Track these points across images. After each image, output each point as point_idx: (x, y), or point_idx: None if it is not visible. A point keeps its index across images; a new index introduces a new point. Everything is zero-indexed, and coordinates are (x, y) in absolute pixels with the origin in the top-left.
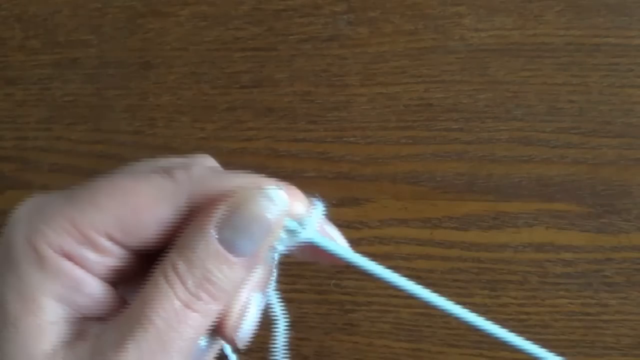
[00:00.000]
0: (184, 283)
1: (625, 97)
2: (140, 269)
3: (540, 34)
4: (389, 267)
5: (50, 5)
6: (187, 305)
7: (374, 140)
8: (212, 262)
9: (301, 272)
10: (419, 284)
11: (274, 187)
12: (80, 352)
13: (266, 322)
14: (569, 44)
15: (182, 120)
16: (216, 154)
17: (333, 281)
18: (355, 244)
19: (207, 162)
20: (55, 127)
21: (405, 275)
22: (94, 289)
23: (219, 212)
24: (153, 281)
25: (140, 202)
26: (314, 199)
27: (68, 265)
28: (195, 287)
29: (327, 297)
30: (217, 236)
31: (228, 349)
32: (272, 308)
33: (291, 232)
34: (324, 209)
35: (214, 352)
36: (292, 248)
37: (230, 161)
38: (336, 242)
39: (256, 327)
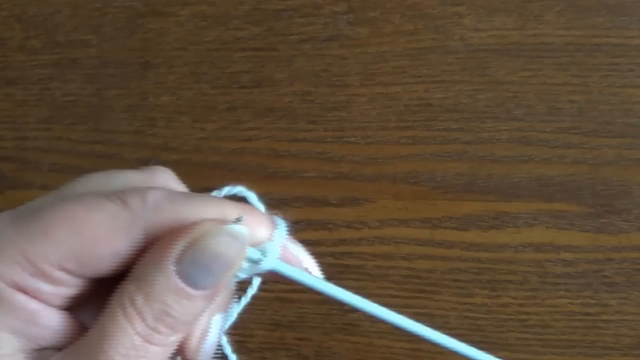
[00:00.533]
0: (143, 318)
1: (625, 97)
2: (98, 293)
3: (540, 34)
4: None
5: (50, 5)
6: (146, 340)
7: (374, 140)
8: (171, 296)
9: None
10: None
11: (235, 220)
12: None
13: (266, 323)
14: (569, 44)
15: (182, 120)
16: (216, 154)
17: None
18: (355, 244)
19: (165, 179)
20: (55, 127)
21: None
22: (49, 320)
23: (178, 246)
24: (110, 314)
25: (94, 233)
26: (277, 218)
27: (22, 298)
28: (154, 321)
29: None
30: (175, 270)
31: (228, 349)
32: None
33: (253, 261)
34: (286, 230)
35: None
36: (254, 275)
37: (230, 161)
38: (297, 269)
39: (215, 346)
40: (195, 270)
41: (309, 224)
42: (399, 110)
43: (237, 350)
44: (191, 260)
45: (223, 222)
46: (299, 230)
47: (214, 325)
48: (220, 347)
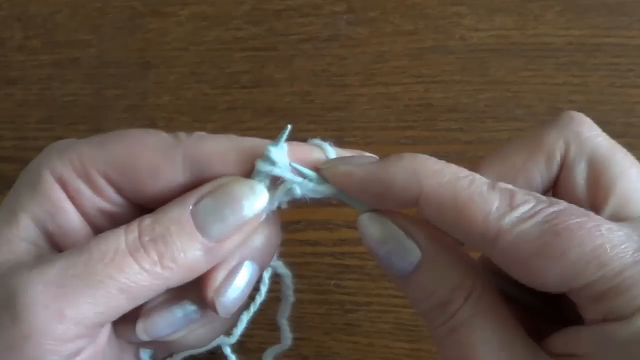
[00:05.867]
0: (141, 233)
1: (625, 97)
2: None
3: (540, 34)
4: None
5: (50, 5)
6: (131, 252)
7: (374, 140)
8: (176, 227)
9: (301, 272)
10: None
11: (261, 181)
12: (22, 266)
13: (266, 323)
14: (569, 44)
15: (182, 120)
16: None
17: (333, 281)
18: (355, 244)
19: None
20: (55, 127)
21: None
22: (70, 222)
23: (202, 190)
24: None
25: (142, 150)
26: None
27: (58, 192)
28: (149, 241)
29: (327, 297)
30: (191, 209)
31: (228, 349)
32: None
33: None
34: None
35: (200, 325)
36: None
37: None
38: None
39: (242, 300)
40: (209, 214)
41: (309, 224)
42: (399, 110)
43: (237, 350)
44: (207, 202)
45: (249, 180)
46: (300, 230)
47: (242, 272)
48: (220, 347)
